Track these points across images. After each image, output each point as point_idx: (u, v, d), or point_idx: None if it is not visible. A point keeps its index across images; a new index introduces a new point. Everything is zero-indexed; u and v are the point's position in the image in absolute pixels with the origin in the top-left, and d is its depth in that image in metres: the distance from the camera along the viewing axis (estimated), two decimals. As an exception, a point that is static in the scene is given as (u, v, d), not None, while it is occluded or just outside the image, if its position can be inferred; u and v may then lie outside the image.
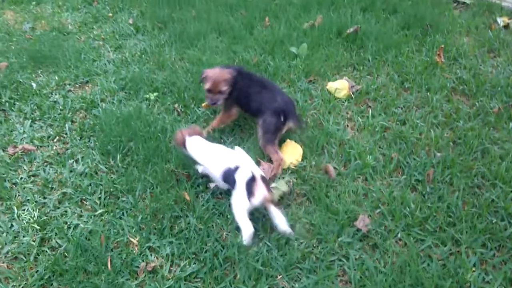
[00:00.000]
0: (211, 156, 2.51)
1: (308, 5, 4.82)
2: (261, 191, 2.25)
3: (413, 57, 3.88)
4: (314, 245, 2.30)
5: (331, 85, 3.49)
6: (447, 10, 4.64)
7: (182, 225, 2.38)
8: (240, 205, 2.27)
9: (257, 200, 2.25)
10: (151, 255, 2.23)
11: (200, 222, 2.38)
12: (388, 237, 2.34)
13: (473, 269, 2.18)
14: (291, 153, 2.84)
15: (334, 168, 2.74)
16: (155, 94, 3.40)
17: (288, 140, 2.91)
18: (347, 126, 3.14)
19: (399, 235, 2.35)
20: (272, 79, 3.56)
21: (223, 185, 2.53)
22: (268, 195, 2.27)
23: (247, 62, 3.78)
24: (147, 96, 3.37)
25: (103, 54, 3.99)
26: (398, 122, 3.16)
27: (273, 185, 2.56)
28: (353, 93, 3.45)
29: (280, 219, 2.32)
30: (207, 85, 2.86)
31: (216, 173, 2.45)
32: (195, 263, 2.19)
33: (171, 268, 2.18)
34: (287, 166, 2.76)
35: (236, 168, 2.32)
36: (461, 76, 3.60)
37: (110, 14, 4.73)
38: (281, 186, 2.55)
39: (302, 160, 2.81)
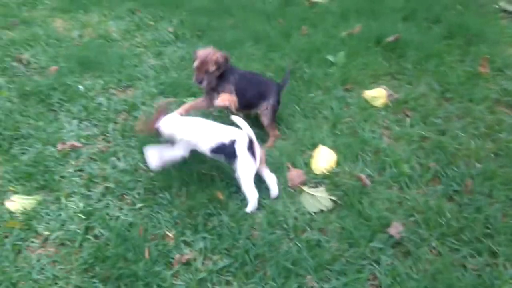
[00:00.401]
0: (197, 130, 2.68)
1: (347, 14, 4.99)
2: (259, 150, 2.58)
3: (455, 67, 3.94)
4: (345, 249, 2.42)
5: (368, 94, 3.62)
6: (494, 20, 4.68)
7: (215, 222, 2.56)
8: (250, 172, 2.60)
9: (259, 160, 2.57)
10: (185, 248, 2.43)
11: (232, 220, 2.56)
12: (421, 245, 2.43)
13: (511, 281, 2.24)
14: (325, 159, 2.99)
15: (369, 175, 2.87)
16: (192, 98, 3.63)
17: (321, 146, 3.07)
18: (383, 134, 3.25)
19: (433, 244, 2.43)
20: (307, 86, 3.74)
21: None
22: (262, 154, 2.66)
23: (283, 69, 3.97)
24: (185, 100, 3.60)
25: (145, 60, 4.31)
26: (437, 132, 3.24)
27: (314, 193, 2.73)
28: (391, 102, 3.56)
29: (271, 180, 2.71)
30: (195, 63, 2.98)
31: (205, 146, 2.66)
32: (227, 258, 2.36)
33: (204, 262, 2.36)
34: (320, 172, 2.91)
35: (231, 142, 2.57)
36: (506, 88, 3.64)
37: (152, 23, 5.09)
38: (325, 201, 2.68)
39: (336, 166, 2.96)
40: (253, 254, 2.36)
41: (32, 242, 2.50)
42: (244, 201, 2.68)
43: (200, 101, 3.22)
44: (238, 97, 3.07)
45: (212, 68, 2.96)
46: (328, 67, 4.02)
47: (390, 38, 4.28)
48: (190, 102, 3.26)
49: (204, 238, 2.48)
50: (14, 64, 4.20)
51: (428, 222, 2.54)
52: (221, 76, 3.06)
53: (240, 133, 2.59)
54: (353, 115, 3.44)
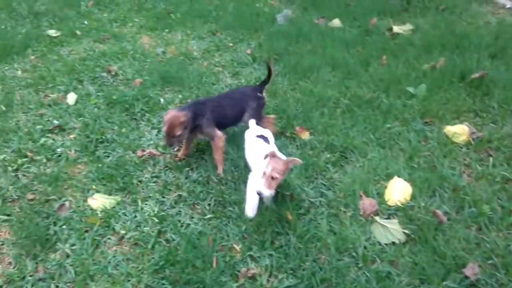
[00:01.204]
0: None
1: (430, 46, 4.99)
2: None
3: (546, 109, 3.80)
4: (416, 284, 2.38)
5: (449, 129, 3.58)
6: None
7: (282, 241, 2.64)
8: None
9: None
10: (251, 263, 2.52)
11: (300, 242, 2.62)
12: (499, 291, 2.34)
13: None
14: (400, 190, 2.98)
15: (446, 212, 2.82)
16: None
17: (396, 177, 3.07)
18: (464, 172, 3.19)
19: (512, 291, 2.34)
20: (385, 117, 3.77)
21: None
22: None
23: (359, 98, 4.05)
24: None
25: (222, 79, 4.59)
26: (522, 176, 3.13)
27: (386, 224, 2.73)
28: (473, 140, 3.48)
29: None
30: (163, 128, 3.08)
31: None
32: (292, 278, 2.42)
33: (269, 279, 2.43)
34: (393, 203, 2.91)
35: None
36: None
37: (231, 44, 5.42)
38: (397, 234, 2.68)
39: (411, 199, 2.94)
40: (319, 277, 2.40)
41: (109, 239, 2.72)
42: (311, 222, 2.75)
43: (216, 145, 3.24)
44: (223, 120, 3.31)
45: (178, 132, 3.03)
46: (408, 99, 4.03)
47: (475, 75, 4.21)
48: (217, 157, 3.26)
49: (271, 255, 2.55)
50: (104, 74, 4.66)
51: (507, 267, 2.44)
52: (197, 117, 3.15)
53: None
54: (431, 149, 3.41)
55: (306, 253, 2.56)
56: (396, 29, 5.60)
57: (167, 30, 5.84)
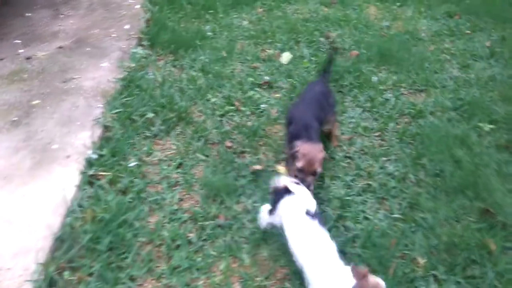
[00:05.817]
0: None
1: None
2: None
3: None
4: None
5: None
6: None
7: (477, 272, 2.36)
8: None
9: None
10: (433, 283, 2.32)
11: (499, 280, 2.30)
12: None
13: None
14: None
15: None
16: (491, 126, 3.39)
17: None
18: None
19: None
20: None
21: None
22: None
23: None
24: (481, 125, 3.39)
25: (447, 69, 4.20)
26: None
27: None
28: None
29: None
30: (299, 163, 2.64)
31: None
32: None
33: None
34: None
35: None
36: None
37: (468, 31, 4.89)
38: None
39: None
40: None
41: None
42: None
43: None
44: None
45: (319, 169, 2.67)
46: None
47: None
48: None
49: (459, 283, 2.32)
50: (321, 39, 4.72)
51: None
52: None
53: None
54: None
55: (505, 297, 2.22)
56: None
57: (398, 4, 5.55)
